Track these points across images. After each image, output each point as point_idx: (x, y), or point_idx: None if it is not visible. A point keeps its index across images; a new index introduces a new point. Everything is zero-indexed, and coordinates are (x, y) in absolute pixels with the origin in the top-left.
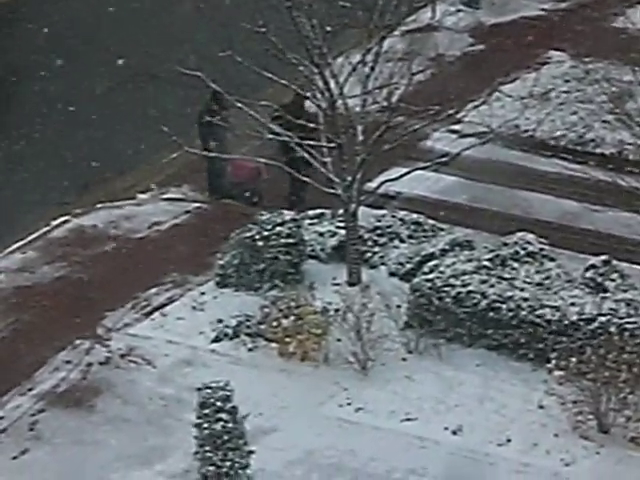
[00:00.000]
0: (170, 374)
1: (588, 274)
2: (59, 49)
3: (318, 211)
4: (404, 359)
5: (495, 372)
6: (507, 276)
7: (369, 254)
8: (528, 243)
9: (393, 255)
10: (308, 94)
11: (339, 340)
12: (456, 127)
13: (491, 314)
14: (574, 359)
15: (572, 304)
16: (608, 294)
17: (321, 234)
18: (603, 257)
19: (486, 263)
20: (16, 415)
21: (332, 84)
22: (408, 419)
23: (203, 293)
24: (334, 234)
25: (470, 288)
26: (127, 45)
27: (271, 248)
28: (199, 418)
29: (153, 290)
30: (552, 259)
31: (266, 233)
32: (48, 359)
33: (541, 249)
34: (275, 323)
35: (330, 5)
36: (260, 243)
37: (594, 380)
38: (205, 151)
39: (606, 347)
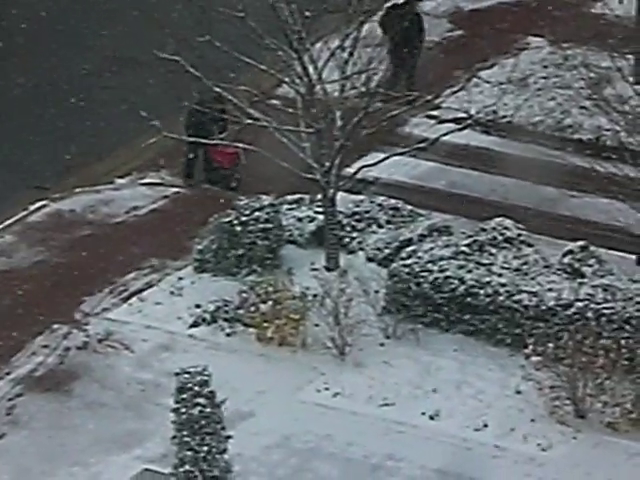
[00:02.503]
0: (148, 359)
1: (565, 260)
2: (38, 34)
3: (296, 196)
4: (382, 344)
5: (472, 357)
6: (485, 262)
7: (347, 239)
8: (506, 229)
9: (371, 240)
10: (286, 79)
11: (317, 325)
12: (434, 113)
13: (469, 299)
14: (551, 344)
15: (549, 290)
16: (585, 280)
17: (299, 219)
18: (580, 243)
19: (464, 249)
20: None
21: (311, 69)
22: (386, 404)
23: (181, 278)
24: (312, 219)
25: (448, 273)
26: (106, 29)
27: (249, 233)
28: (177, 403)
29: (131, 275)
30: (530, 245)
31: (244, 218)
32: (25, 343)
33: (519, 235)
34: (253, 308)
35: None
36: (238, 228)
37: (571, 365)
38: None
39: (583, 333)
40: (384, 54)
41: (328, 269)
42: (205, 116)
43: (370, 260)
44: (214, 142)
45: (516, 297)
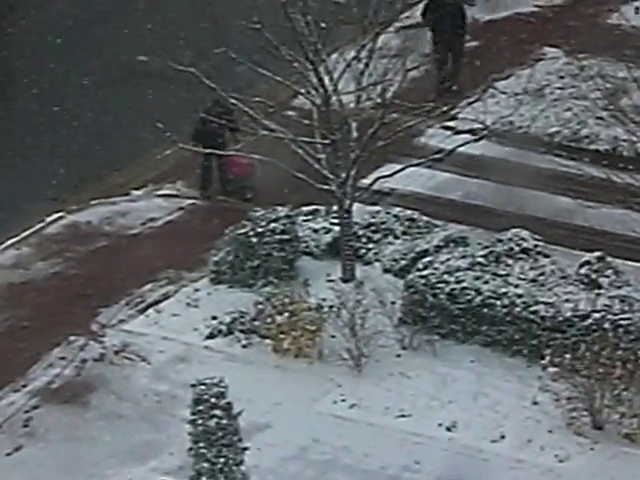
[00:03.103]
0: (164, 370)
1: (582, 270)
2: (53, 45)
3: (312, 207)
4: (398, 355)
5: (489, 368)
6: (501, 272)
7: (363, 250)
8: (522, 239)
9: (387, 251)
10: (302, 90)
11: (333, 336)
12: (450, 123)
13: (485, 310)
14: (568, 355)
15: (566, 300)
16: (602, 290)
17: (315, 230)
18: (597, 253)
19: (480, 259)
20: (10, 411)
21: (326, 80)
22: (402, 415)
23: (197, 290)
24: (328, 230)
25: (464, 284)
26: (121, 41)
27: (265, 244)
28: (193, 414)
29: (147, 286)
30: (546, 255)
31: (260, 229)
32: (42, 355)
33: (535, 245)
34: (269, 319)
35: (324, 1)
36: (254, 239)
37: (588, 376)
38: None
39: (600, 343)
40: (400, 65)
41: (344, 280)
42: (213, 126)
43: (386, 271)
44: (229, 153)
45: (533, 308)
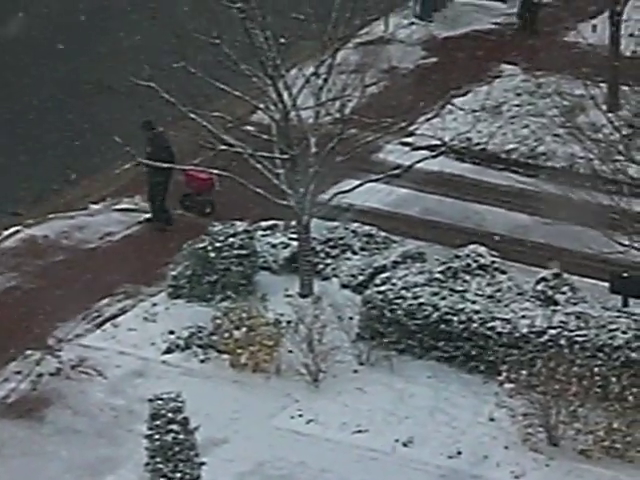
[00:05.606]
0: (121, 385)
1: (539, 287)
2: (11, 60)
3: (271, 222)
4: (355, 371)
5: (446, 384)
6: (459, 288)
7: (321, 266)
8: (480, 256)
9: (345, 267)
10: (261, 105)
11: (291, 352)
12: (408, 139)
13: (442, 326)
14: (524, 372)
15: (523, 317)
16: (558, 307)
17: (273, 245)
18: (553, 270)
19: (438, 275)
20: None
21: (285, 96)
22: (359, 431)
23: (155, 304)
24: (286, 246)
25: (422, 300)
26: (81, 56)
27: (223, 259)
28: (150, 429)
29: (105, 301)
30: (503, 272)
31: (218, 244)
32: None
33: (492, 262)
34: (227, 334)
35: (284, 17)
36: (212, 254)
37: (544, 393)
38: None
39: (556, 360)
40: (358, 81)
41: (302, 295)
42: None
43: (344, 287)
44: (187, 167)
45: (490, 324)
